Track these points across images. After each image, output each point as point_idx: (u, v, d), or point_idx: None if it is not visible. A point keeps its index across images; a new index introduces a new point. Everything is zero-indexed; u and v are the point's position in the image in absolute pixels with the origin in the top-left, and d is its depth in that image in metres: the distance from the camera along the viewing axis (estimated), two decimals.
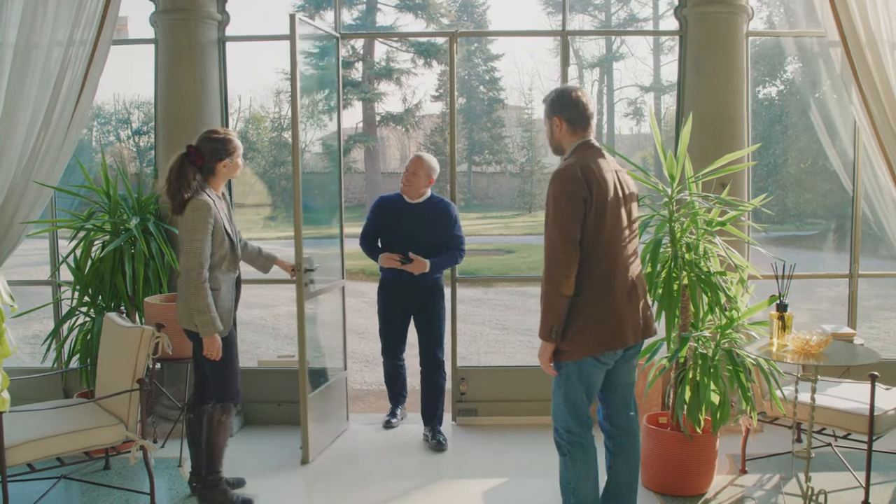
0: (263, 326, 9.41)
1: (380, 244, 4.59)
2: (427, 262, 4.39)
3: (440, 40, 24.57)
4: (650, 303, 3.32)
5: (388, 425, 4.86)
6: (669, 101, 26.99)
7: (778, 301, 3.55)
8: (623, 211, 2.98)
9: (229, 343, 3.59)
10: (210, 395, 3.64)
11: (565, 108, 2.99)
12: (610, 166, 2.98)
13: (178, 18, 4.59)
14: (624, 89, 28.03)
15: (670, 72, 27.45)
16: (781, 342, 3.44)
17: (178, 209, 3.48)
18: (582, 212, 2.83)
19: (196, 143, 3.56)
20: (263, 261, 3.98)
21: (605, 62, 27.52)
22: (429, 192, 4.56)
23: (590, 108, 3.01)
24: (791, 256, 3.83)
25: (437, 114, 26.87)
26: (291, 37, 4.04)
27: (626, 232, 2.99)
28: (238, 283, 3.73)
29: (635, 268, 3.05)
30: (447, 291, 4.77)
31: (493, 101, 27.30)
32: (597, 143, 3.01)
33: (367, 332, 8.87)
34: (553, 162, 28.80)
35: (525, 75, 48.52)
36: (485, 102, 27.13)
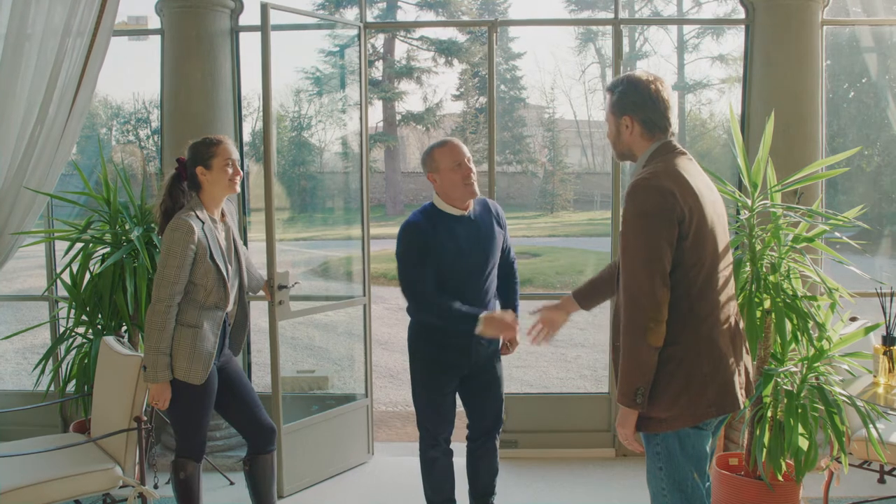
0: (282, 336, 8.96)
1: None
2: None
3: (461, 38, 24.18)
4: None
5: None
6: (693, 101, 26.42)
7: (884, 332, 3.03)
8: (723, 233, 2.31)
9: (203, 393, 3.00)
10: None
11: (642, 106, 2.28)
12: (702, 173, 2.34)
13: (186, 6, 4.13)
14: None
15: (693, 70, 26.86)
16: (889, 383, 2.93)
17: (161, 231, 2.99)
18: (675, 235, 2.15)
19: None
20: (256, 283, 3.54)
21: (628, 60, 26.90)
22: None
23: (671, 104, 2.29)
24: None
25: (458, 113, 26.53)
26: (263, 28, 3.66)
27: (728, 261, 2.32)
28: (242, 321, 3.22)
29: (736, 308, 2.38)
30: None
31: (515, 101, 26.85)
32: (679, 145, 2.33)
33: (391, 343, 8.42)
34: (575, 162, 28.38)
35: (547, 74, 47.95)
36: (506, 101, 26.68)
